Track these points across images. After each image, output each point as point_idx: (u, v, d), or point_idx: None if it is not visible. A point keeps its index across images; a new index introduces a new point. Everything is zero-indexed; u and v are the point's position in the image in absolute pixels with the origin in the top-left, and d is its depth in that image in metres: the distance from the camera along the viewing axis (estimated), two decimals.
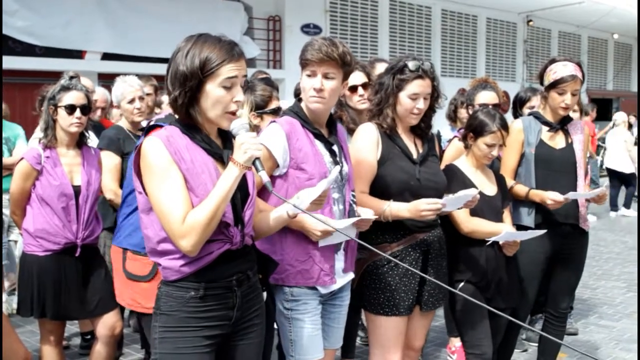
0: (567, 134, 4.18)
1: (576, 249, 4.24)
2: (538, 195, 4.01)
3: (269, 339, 3.75)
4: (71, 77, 4.02)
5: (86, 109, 3.99)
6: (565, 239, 4.15)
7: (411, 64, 3.40)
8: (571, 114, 4.32)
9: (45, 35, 11.21)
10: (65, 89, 3.95)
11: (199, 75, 2.39)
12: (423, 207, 3.25)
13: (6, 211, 5.69)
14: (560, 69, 4.03)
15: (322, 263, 3.04)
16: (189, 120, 2.48)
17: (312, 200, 2.64)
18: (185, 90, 2.41)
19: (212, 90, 2.42)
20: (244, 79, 2.52)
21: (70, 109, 3.91)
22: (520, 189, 4.09)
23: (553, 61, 4.12)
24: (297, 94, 5.89)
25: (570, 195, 3.93)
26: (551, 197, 3.94)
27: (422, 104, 3.41)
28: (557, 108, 4.06)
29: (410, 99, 3.40)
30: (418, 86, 3.39)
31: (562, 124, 4.16)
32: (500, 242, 3.75)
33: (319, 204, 2.73)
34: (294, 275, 3.03)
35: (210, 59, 2.39)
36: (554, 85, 4.03)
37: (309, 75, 3.03)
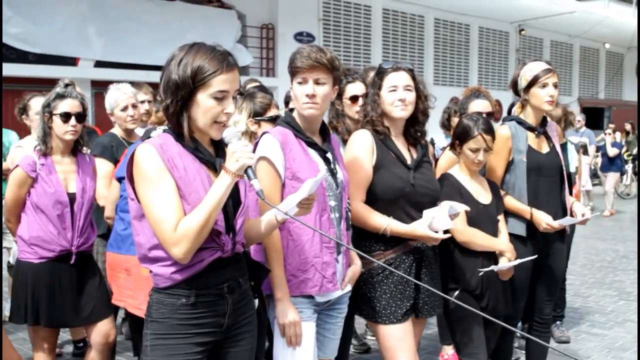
0: (548, 137, 4.20)
1: (557, 253, 4.25)
2: (533, 215, 4.03)
3: (260, 347, 3.74)
4: (66, 85, 4.02)
5: (81, 116, 3.98)
6: (549, 245, 4.16)
7: (386, 64, 3.51)
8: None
9: (38, 42, 11.21)
10: (61, 96, 3.94)
11: (190, 85, 2.40)
12: (429, 240, 3.35)
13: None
14: (535, 67, 4.06)
15: (324, 270, 3.04)
16: (179, 128, 2.49)
17: (297, 202, 2.62)
18: (176, 98, 2.42)
19: (203, 100, 2.43)
20: (237, 91, 2.53)
21: (66, 117, 3.91)
22: (513, 204, 4.07)
23: (524, 64, 4.16)
24: (287, 101, 5.90)
25: (564, 221, 3.97)
26: (546, 221, 3.97)
27: (402, 94, 3.43)
28: (542, 103, 4.03)
29: (390, 91, 3.44)
30: (394, 78, 3.45)
31: (542, 127, 4.17)
32: (495, 270, 3.75)
33: (307, 207, 2.71)
34: (297, 285, 3.02)
35: (202, 68, 2.40)
36: (534, 82, 4.02)
37: (300, 83, 3.04)
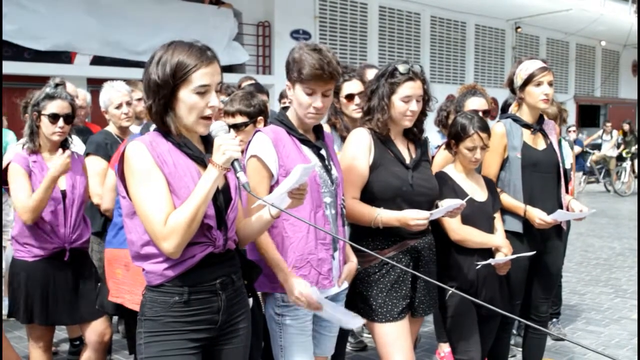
0: (544, 135, 4.20)
1: (554, 250, 4.25)
2: (527, 211, 4.02)
3: (256, 345, 3.73)
4: (56, 85, 3.99)
5: (70, 117, 3.97)
6: (546, 242, 4.16)
7: (401, 67, 3.42)
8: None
9: (35, 39, 11.19)
10: (50, 97, 3.92)
11: (171, 83, 2.41)
12: (412, 223, 3.27)
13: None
14: (530, 65, 4.06)
15: (320, 267, 3.04)
16: (165, 128, 2.49)
17: (285, 190, 2.58)
18: (159, 97, 2.43)
19: (186, 96, 2.43)
20: (219, 85, 2.52)
21: (54, 118, 3.90)
22: (507, 201, 4.06)
23: (520, 62, 4.15)
24: (281, 98, 5.84)
25: (558, 216, 3.95)
26: (539, 217, 3.96)
27: (415, 106, 3.42)
28: (538, 102, 4.03)
29: (403, 101, 3.41)
30: (410, 88, 3.41)
31: (539, 124, 4.17)
32: (493, 264, 3.75)
33: (299, 198, 2.69)
34: None
35: (181, 65, 2.40)
36: (529, 80, 4.02)
37: (309, 94, 3.00)
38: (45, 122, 3.91)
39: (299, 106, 3.05)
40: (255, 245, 2.98)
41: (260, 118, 3.78)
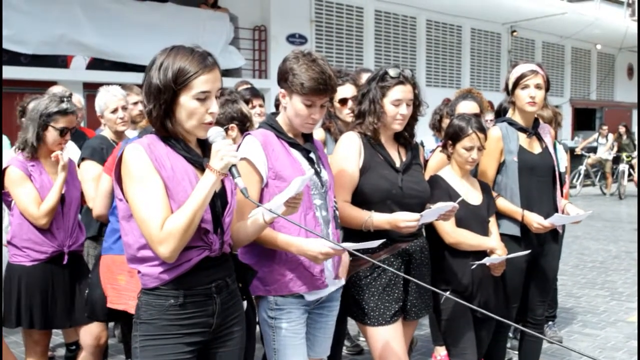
0: (540, 138, 4.21)
1: (550, 253, 4.26)
2: (524, 216, 4.03)
3: (250, 348, 3.73)
4: (68, 100, 4.04)
5: (73, 129, 4.06)
6: (543, 245, 4.18)
7: (392, 71, 3.46)
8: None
9: (30, 44, 11.15)
10: (64, 112, 3.96)
11: (173, 88, 2.42)
12: (402, 225, 3.29)
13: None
14: (519, 69, 4.10)
15: (312, 268, 3.04)
16: (164, 132, 2.50)
17: (284, 201, 2.63)
18: (159, 103, 2.44)
19: (187, 102, 2.44)
20: (219, 90, 2.54)
21: (62, 132, 3.95)
22: (504, 206, 4.07)
23: (515, 66, 4.18)
24: (277, 104, 5.86)
25: (555, 221, 3.96)
26: (537, 222, 3.96)
27: (405, 110, 3.44)
28: (524, 105, 4.06)
29: (393, 105, 3.44)
30: (400, 92, 3.44)
31: (534, 128, 4.19)
32: (487, 264, 3.76)
33: (294, 206, 2.73)
34: (285, 284, 3.02)
35: (182, 70, 2.42)
36: (517, 83, 4.06)
37: (308, 106, 3.00)
38: (53, 134, 3.95)
39: (297, 116, 3.05)
40: (259, 242, 2.97)
41: (232, 125, 3.73)
